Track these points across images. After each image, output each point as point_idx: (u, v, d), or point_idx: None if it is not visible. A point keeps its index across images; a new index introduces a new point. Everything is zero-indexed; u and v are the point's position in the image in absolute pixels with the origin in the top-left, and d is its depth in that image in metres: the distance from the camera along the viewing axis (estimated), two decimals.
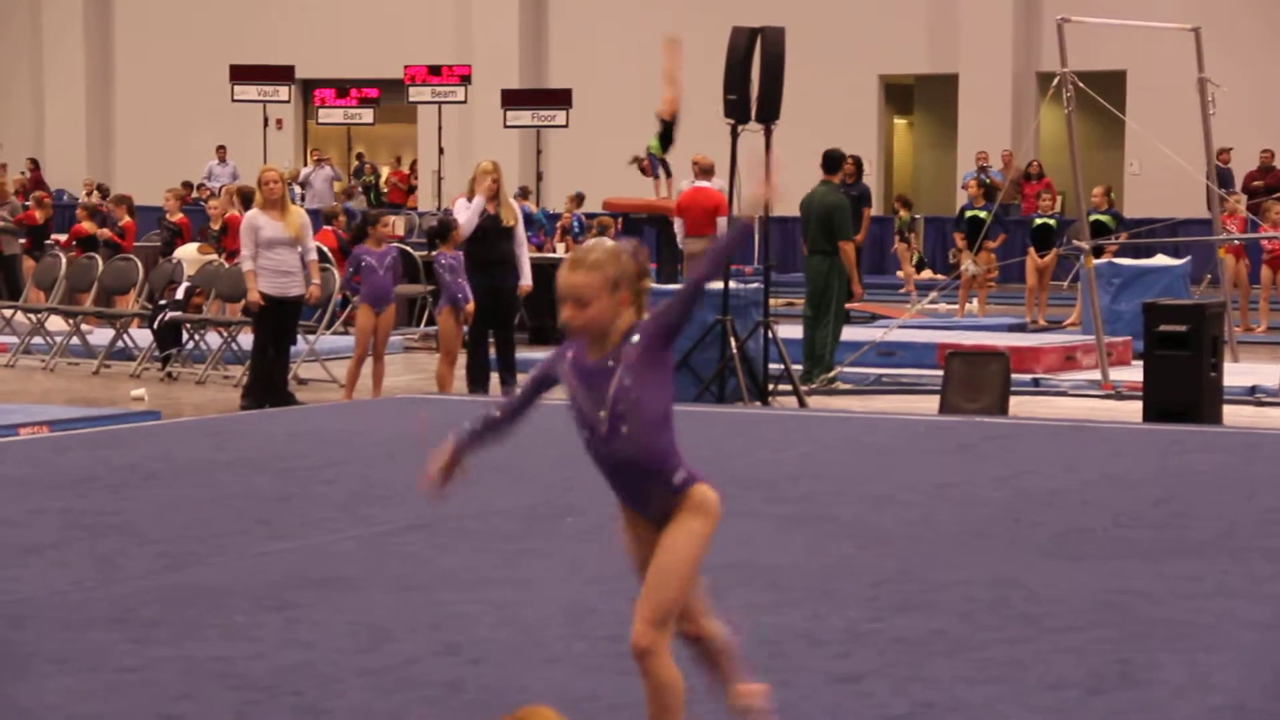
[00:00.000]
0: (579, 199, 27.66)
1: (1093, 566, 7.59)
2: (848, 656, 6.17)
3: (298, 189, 29.80)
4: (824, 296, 15.64)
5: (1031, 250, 22.01)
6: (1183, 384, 12.86)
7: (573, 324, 4.64)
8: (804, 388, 14.62)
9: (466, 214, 14.29)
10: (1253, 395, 14.66)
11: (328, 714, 5.50)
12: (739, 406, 13.55)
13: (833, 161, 16.33)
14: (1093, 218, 21.32)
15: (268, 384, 14.03)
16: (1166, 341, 13.00)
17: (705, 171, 20.08)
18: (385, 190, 33.91)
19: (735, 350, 13.86)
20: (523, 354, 15.54)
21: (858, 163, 24.98)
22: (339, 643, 6.33)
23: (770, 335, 14.19)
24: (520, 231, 14.67)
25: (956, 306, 23.08)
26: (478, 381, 14.31)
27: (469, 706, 5.49)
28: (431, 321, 19.42)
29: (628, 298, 4.62)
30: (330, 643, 6.33)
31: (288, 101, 31.54)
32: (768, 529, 8.38)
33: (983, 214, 21.72)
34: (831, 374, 15.39)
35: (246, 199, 19.76)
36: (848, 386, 15.43)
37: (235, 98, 30.02)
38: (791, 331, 17.37)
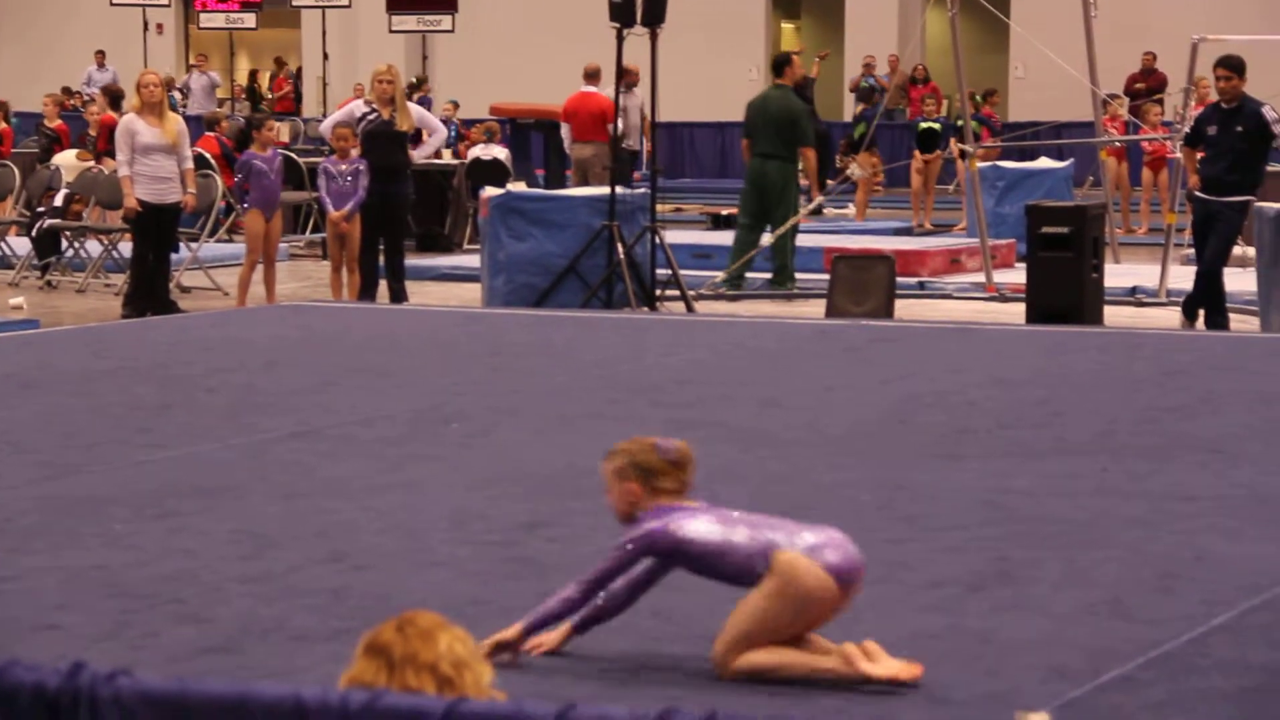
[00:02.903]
0: (455, 106, 27.42)
1: (976, 466, 7.66)
2: None
3: (178, 95, 29.38)
4: (782, 203, 15.61)
5: (915, 153, 22.10)
6: (1065, 285, 12.97)
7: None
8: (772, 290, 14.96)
9: (332, 117, 14.32)
10: (1133, 296, 14.82)
11: (209, 622, 5.46)
12: (626, 312, 13.55)
13: (780, 65, 16.18)
14: (924, 125, 21.55)
15: (149, 292, 13.87)
16: (1048, 243, 13.10)
17: (591, 76, 19.99)
18: (269, 96, 33.50)
19: (622, 256, 13.84)
20: (411, 261, 15.47)
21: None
22: (221, 550, 6.29)
23: (658, 240, 14.17)
24: (437, 138, 14.98)
25: (844, 210, 23.19)
26: (366, 289, 14.22)
27: (353, 613, 5.47)
28: (317, 229, 19.26)
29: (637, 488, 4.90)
30: (212, 551, 6.28)
31: (168, 5, 31.03)
32: (654, 433, 8.36)
33: (935, 125, 21.86)
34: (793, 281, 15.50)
35: (115, 99, 19.50)
36: (729, 291, 15.46)
37: (114, 1, 29.51)
38: (679, 237, 17.37)
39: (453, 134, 23.48)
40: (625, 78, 20.38)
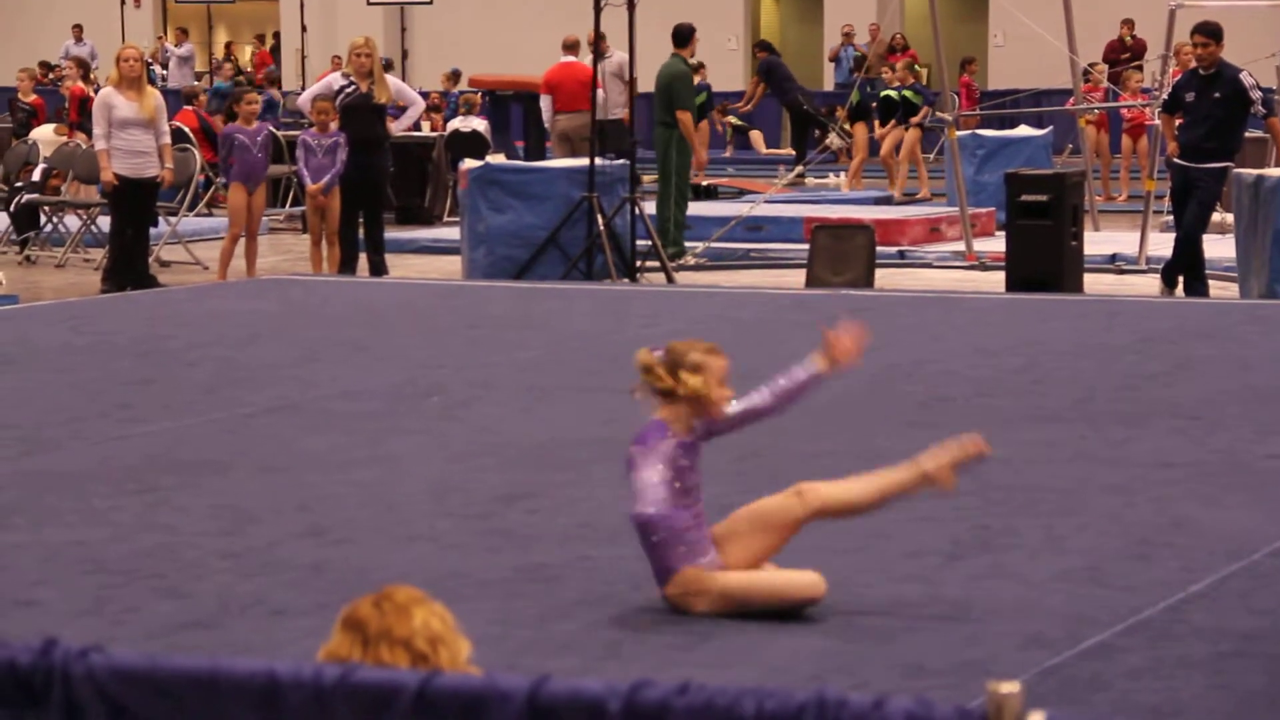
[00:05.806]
0: (455, 76, 27.36)
1: (954, 434, 7.65)
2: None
3: (157, 69, 29.28)
4: (664, 170, 15.62)
5: (875, 123, 22.05)
6: (1044, 253, 12.98)
7: None
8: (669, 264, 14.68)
9: (310, 90, 14.29)
10: (1113, 263, 14.83)
11: (189, 597, 5.46)
12: (607, 284, 13.54)
13: (682, 35, 16.23)
14: (883, 93, 21.51)
15: (128, 267, 13.84)
16: (1028, 211, 13.10)
17: (570, 48, 19.92)
18: (249, 70, 33.41)
19: (602, 227, 13.82)
20: (391, 234, 15.43)
21: (765, 45, 25.32)
22: (201, 526, 6.28)
23: (637, 211, 14.16)
24: (415, 109, 15.00)
25: (824, 180, 23.19)
26: (346, 262, 14.20)
27: (332, 587, 5.46)
28: (297, 202, 19.22)
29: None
30: (192, 526, 6.28)
31: None
32: (633, 404, 8.37)
33: (893, 93, 21.77)
34: (679, 251, 15.37)
35: (85, 70, 19.51)
36: (710, 262, 15.45)
37: None
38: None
39: (452, 104, 23.51)
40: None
